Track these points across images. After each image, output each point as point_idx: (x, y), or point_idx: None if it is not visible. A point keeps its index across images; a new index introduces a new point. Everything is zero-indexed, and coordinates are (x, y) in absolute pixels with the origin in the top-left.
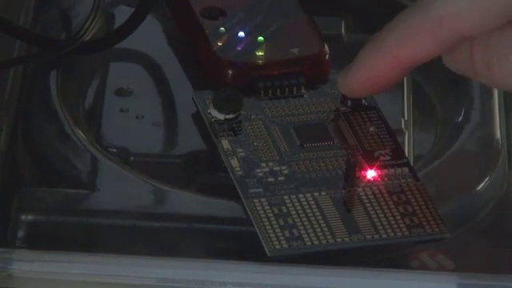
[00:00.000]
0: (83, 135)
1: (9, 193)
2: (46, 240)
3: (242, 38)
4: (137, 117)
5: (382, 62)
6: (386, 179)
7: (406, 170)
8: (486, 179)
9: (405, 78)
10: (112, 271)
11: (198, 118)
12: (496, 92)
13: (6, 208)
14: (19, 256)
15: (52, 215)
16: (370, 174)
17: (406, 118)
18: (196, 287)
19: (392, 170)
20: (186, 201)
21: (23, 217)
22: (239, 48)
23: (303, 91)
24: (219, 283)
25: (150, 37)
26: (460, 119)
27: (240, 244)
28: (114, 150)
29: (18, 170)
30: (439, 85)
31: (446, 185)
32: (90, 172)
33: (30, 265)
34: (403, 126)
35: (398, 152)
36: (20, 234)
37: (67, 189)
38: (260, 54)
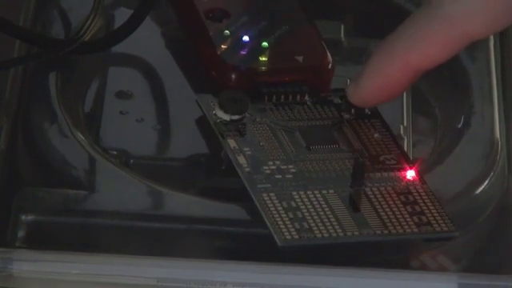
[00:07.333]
0: (83, 137)
1: (9, 193)
2: (46, 240)
3: (246, 42)
4: (137, 119)
5: (393, 67)
6: (392, 181)
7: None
8: (486, 182)
9: None
10: (112, 271)
11: (199, 122)
12: (496, 96)
13: (6, 208)
14: (19, 256)
15: (52, 215)
16: (374, 175)
17: (405, 124)
18: (196, 287)
19: (398, 174)
20: (185, 203)
21: (23, 217)
22: (243, 52)
23: (306, 98)
24: (219, 283)
25: (151, 40)
26: (460, 123)
27: (240, 246)
28: (114, 153)
29: (18, 170)
30: (439, 89)
31: (446, 188)
32: (90, 173)
33: (30, 265)
34: (402, 132)
35: (403, 157)
36: (20, 233)
37: (67, 189)
38: (263, 59)
